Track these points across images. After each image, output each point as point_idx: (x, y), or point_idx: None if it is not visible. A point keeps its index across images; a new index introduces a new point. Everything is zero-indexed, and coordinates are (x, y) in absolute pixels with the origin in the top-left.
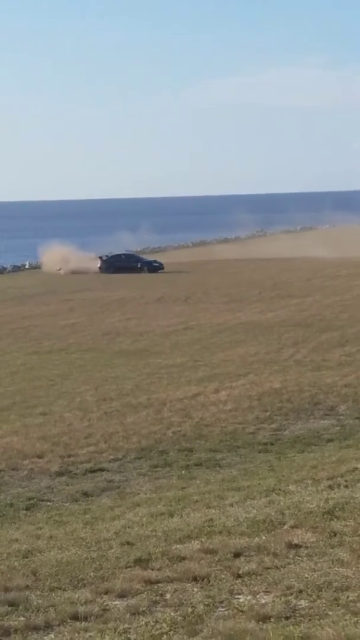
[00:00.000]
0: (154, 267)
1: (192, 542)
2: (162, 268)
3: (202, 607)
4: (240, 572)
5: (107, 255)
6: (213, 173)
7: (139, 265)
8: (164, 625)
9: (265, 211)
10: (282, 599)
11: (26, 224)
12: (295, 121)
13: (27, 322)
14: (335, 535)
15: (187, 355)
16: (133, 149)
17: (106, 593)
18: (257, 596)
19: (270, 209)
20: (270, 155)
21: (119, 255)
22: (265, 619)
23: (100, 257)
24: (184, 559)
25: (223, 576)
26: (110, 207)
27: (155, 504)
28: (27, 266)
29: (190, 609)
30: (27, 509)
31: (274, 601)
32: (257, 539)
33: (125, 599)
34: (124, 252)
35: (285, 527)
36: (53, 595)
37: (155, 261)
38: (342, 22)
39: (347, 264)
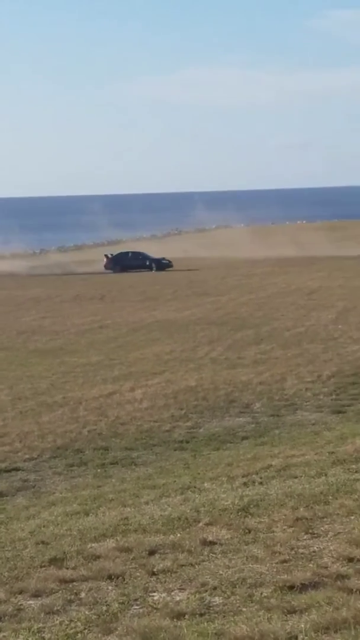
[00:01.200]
0: (163, 265)
1: (107, 540)
2: (171, 265)
3: (116, 605)
4: (155, 570)
5: (112, 254)
6: (124, 171)
7: (147, 263)
8: (79, 624)
9: (176, 210)
10: (197, 595)
11: None
12: (211, 119)
13: None
14: (249, 532)
15: (102, 353)
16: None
17: (20, 593)
18: (172, 593)
19: (183, 208)
20: (185, 153)
21: (125, 253)
22: (179, 616)
23: (106, 255)
24: (98, 557)
25: (138, 574)
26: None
27: (71, 502)
28: None
29: (104, 608)
30: None
31: (188, 598)
32: (172, 536)
33: (39, 598)
34: (131, 250)
35: (200, 524)
36: None
37: (164, 258)
38: (259, 23)
39: (263, 262)
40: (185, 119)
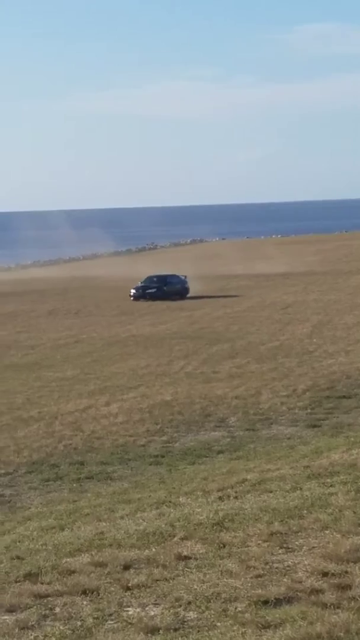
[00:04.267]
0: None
1: (83, 555)
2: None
3: (91, 620)
4: (129, 585)
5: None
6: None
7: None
8: (53, 639)
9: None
10: (171, 610)
11: None
12: (179, 132)
13: None
14: (224, 546)
15: (78, 368)
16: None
17: None
18: (147, 608)
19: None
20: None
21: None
22: (154, 630)
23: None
24: (73, 572)
25: (113, 589)
26: None
27: (46, 517)
28: None
29: (79, 623)
30: None
31: (162, 613)
32: (147, 551)
33: (14, 613)
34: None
35: (175, 539)
36: None
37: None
38: (229, 36)
39: (238, 277)
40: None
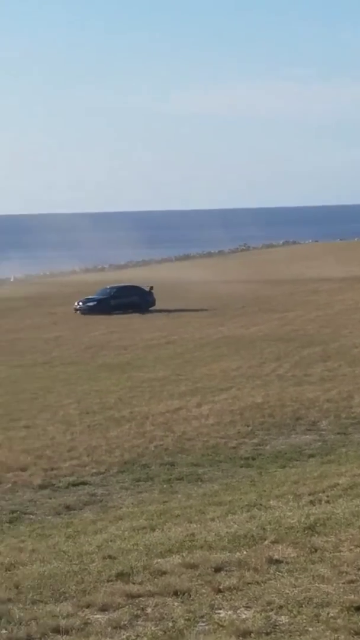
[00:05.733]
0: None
1: (173, 556)
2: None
3: (182, 621)
4: (221, 587)
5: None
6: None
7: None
8: (145, 639)
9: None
10: (263, 614)
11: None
12: (274, 132)
13: (11, 335)
14: (316, 551)
15: (169, 369)
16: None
17: (88, 607)
18: (238, 611)
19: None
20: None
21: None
22: (245, 634)
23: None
24: (165, 573)
25: (204, 591)
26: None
27: (137, 517)
28: (12, 279)
29: (171, 624)
30: (10, 522)
31: (254, 616)
32: (238, 554)
33: (106, 612)
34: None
35: (266, 542)
36: (35, 608)
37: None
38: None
39: (331, 279)
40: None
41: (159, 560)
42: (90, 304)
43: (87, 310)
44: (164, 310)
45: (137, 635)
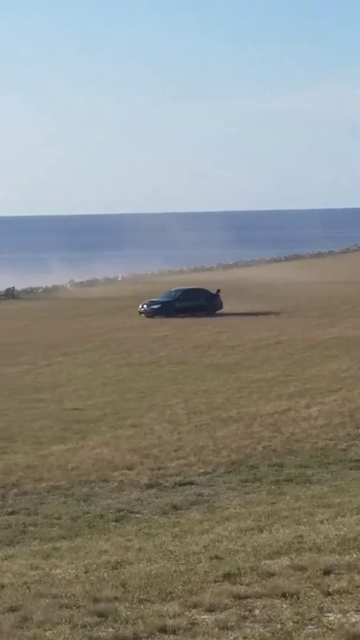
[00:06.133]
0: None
1: (282, 558)
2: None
3: (291, 624)
4: (330, 590)
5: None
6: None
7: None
8: None
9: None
10: None
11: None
12: None
13: (118, 334)
14: None
15: (278, 369)
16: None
17: (195, 607)
18: (348, 615)
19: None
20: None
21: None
22: (355, 638)
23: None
24: (273, 574)
25: (313, 593)
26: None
27: (245, 518)
28: (119, 278)
29: (279, 626)
30: (116, 520)
31: None
32: (347, 557)
33: (213, 613)
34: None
35: None
36: (142, 607)
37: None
38: None
39: None
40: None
41: (267, 561)
42: (155, 306)
43: (151, 313)
44: (271, 312)
45: (245, 637)
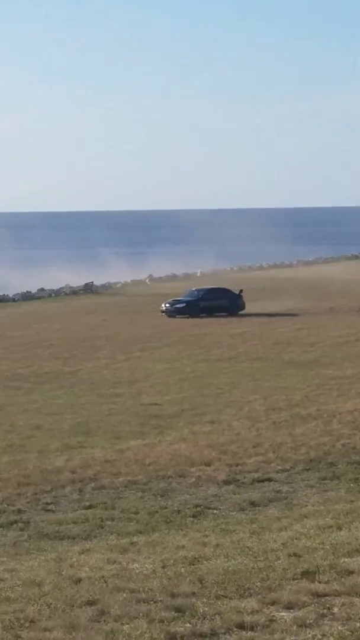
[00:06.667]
0: None
1: None
2: None
3: None
4: None
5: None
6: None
7: None
8: (332, 639)
9: None
10: None
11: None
12: None
13: (197, 329)
14: None
15: (357, 367)
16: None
17: (273, 604)
18: None
19: None
20: None
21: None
22: None
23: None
24: (352, 573)
25: None
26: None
27: (323, 516)
28: (198, 274)
29: (358, 624)
30: (194, 516)
31: None
32: None
33: (292, 610)
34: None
35: None
36: (219, 603)
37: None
38: None
39: None
40: None
41: (346, 559)
42: (179, 305)
43: (174, 313)
44: (351, 309)
45: (323, 635)
